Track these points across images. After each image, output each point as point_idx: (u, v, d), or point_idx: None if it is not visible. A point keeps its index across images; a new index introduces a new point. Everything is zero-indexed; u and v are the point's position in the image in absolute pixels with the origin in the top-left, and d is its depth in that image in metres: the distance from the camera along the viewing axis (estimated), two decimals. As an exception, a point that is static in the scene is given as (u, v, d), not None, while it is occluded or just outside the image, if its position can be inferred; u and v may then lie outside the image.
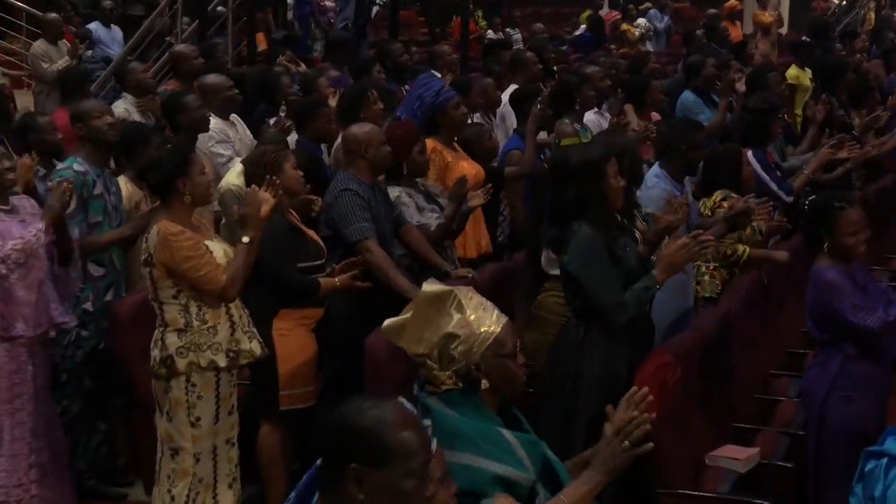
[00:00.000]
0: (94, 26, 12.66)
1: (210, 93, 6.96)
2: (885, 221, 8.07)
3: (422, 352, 2.98)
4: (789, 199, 6.89)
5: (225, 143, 6.92)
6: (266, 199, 4.67)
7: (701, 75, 9.58)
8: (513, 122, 8.07)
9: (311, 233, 5.35)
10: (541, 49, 11.17)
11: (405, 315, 3.00)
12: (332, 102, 7.52)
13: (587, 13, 16.82)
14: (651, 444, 2.89)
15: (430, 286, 3.00)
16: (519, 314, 5.68)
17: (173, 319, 4.59)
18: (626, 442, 2.88)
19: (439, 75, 9.63)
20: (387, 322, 3.04)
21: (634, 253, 4.74)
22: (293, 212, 5.35)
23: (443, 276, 5.55)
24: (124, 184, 5.74)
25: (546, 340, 5.01)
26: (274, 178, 4.85)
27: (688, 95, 9.51)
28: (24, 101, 11.48)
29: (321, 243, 5.31)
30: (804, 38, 13.31)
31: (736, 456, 4.89)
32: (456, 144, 6.74)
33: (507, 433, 3.01)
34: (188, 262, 4.53)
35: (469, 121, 7.44)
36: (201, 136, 6.64)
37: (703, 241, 4.60)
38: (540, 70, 9.62)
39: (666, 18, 17.43)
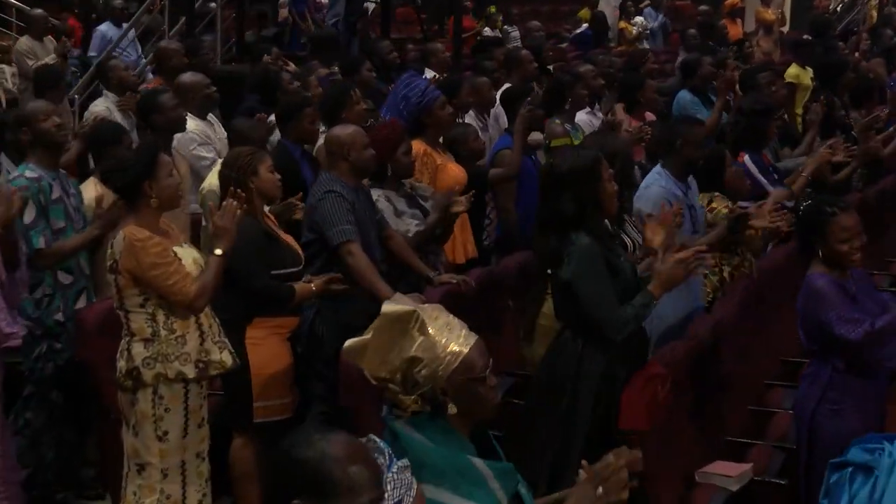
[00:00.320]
0: (104, 27, 12.42)
1: (188, 91, 6.81)
2: (886, 224, 7.88)
3: (384, 375, 2.78)
4: (789, 204, 6.71)
5: (207, 146, 6.79)
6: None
7: (697, 74, 9.41)
8: (505, 121, 7.90)
9: (289, 238, 5.16)
10: (538, 47, 10.97)
11: (366, 336, 2.80)
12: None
13: (586, 12, 16.63)
14: (626, 496, 2.74)
15: (392, 305, 2.79)
16: (519, 324, 5.48)
17: (140, 329, 4.40)
18: (601, 489, 2.71)
19: (433, 73, 9.47)
20: (348, 342, 2.84)
21: (628, 262, 4.58)
22: (271, 216, 5.17)
23: (426, 283, 5.41)
24: (95, 184, 5.55)
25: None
26: (239, 190, 4.68)
27: (684, 95, 9.35)
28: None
29: (298, 250, 5.12)
30: (805, 36, 13.13)
31: (728, 473, 4.73)
32: (440, 145, 6.56)
33: (478, 462, 2.79)
34: (155, 269, 4.34)
35: (459, 120, 7.27)
36: (183, 140, 6.48)
37: (701, 256, 4.49)
38: (535, 69, 9.43)
39: (661, 17, 17.21)
